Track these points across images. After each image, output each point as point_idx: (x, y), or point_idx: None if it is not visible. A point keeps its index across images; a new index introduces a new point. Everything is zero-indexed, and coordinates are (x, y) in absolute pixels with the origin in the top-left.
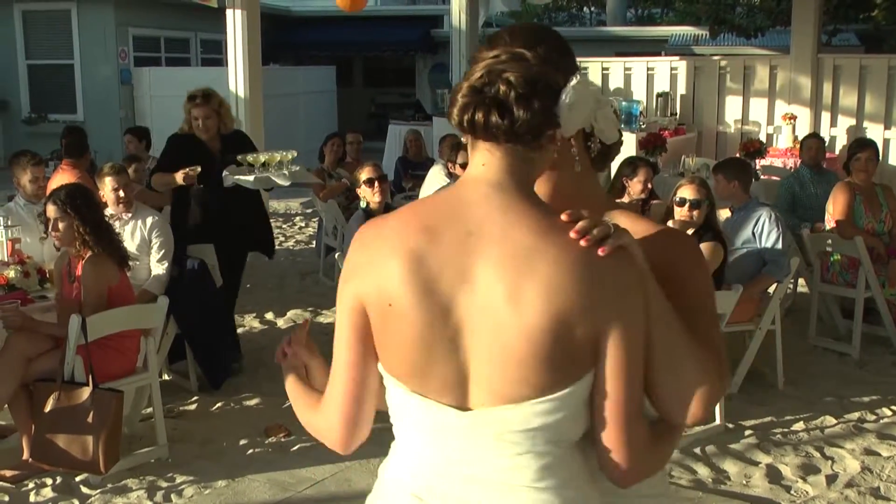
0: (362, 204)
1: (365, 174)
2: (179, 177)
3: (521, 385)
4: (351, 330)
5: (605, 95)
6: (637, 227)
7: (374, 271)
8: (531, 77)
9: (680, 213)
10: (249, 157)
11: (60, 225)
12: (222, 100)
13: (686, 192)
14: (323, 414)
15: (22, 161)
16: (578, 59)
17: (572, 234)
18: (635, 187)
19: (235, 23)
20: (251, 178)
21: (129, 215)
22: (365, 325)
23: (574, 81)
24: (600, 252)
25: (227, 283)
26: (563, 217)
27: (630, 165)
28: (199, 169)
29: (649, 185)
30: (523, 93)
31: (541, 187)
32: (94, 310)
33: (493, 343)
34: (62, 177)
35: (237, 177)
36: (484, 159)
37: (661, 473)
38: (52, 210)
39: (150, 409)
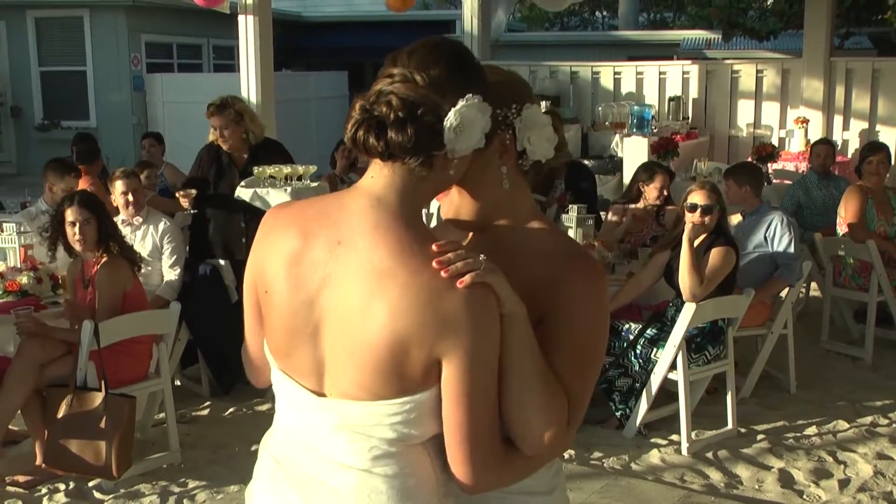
0: None
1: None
2: (179, 200)
3: (359, 387)
4: (248, 298)
5: (616, 103)
6: (545, 244)
7: (262, 257)
8: (411, 101)
9: (691, 218)
10: (269, 170)
11: (87, 228)
12: (244, 108)
13: (697, 197)
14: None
15: (61, 171)
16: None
17: (434, 264)
18: (651, 193)
19: (247, 29)
20: (249, 192)
21: (140, 220)
22: (256, 300)
23: (461, 104)
24: (458, 284)
25: None
26: (434, 247)
27: (647, 171)
28: (193, 192)
29: (665, 192)
30: (399, 117)
31: (469, 203)
32: (108, 314)
33: (341, 345)
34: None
35: (238, 191)
36: (373, 172)
37: (547, 471)
38: (76, 213)
39: (162, 415)
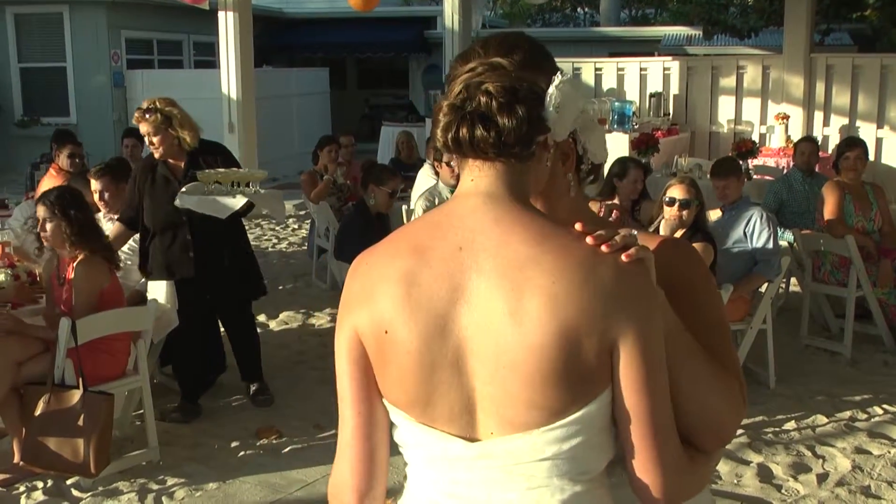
0: (370, 202)
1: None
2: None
3: (530, 409)
4: (350, 364)
5: (597, 99)
6: (645, 241)
7: (367, 300)
8: (511, 84)
9: (669, 212)
10: (214, 175)
11: (48, 226)
12: (171, 112)
13: (676, 191)
14: (338, 463)
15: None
16: (572, 60)
17: (589, 240)
18: (625, 189)
19: (228, 25)
20: (194, 199)
21: (117, 217)
22: (364, 357)
23: (557, 81)
24: (623, 258)
25: (235, 324)
26: (578, 226)
27: (620, 166)
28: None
29: (639, 186)
30: (505, 101)
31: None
32: (84, 311)
33: (496, 363)
34: (50, 180)
35: (179, 199)
36: (473, 175)
37: (705, 494)
38: (41, 210)
39: (140, 412)
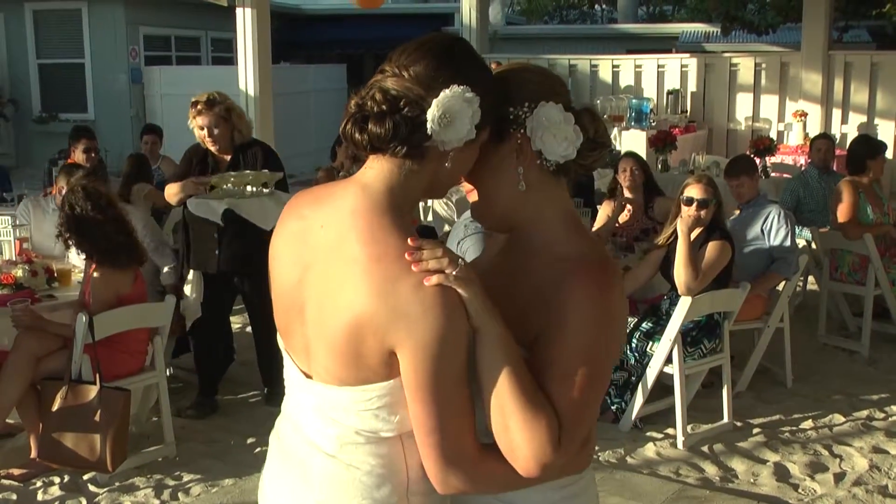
0: None
1: None
2: (185, 186)
3: (327, 372)
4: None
5: (614, 96)
6: (562, 249)
7: (275, 234)
8: (392, 94)
9: (688, 212)
10: (230, 178)
11: (69, 242)
12: (232, 105)
13: (693, 191)
14: None
15: (74, 173)
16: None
17: (406, 256)
18: (624, 182)
19: (245, 21)
20: (194, 201)
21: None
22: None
23: (443, 95)
24: (424, 281)
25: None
26: (410, 241)
27: (619, 162)
28: (209, 180)
29: (637, 175)
30: (381, 110)
31: (483, 203)
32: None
33: (316, 327)
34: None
35: (189, 201)
36: (368, 164)
37: (554, 492)
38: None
39: (157, 408)
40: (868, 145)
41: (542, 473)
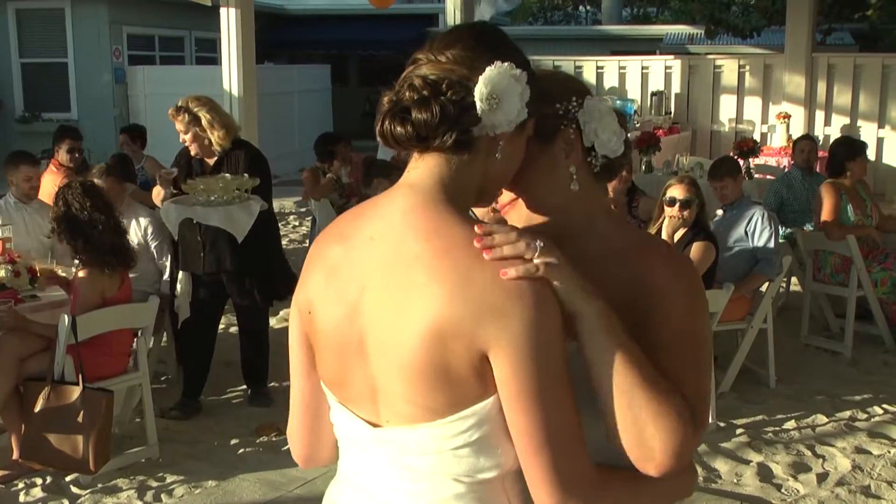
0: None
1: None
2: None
3: (408, 404)
4: (296, 337)
5: (607, 98)
6: (623, 243)
7: (303, 281)
8: (433, 78)
9: (670, 212)
10: (200, 184)
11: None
12: (201, 112)
13: (676, 191)
14: (289, 429)
15: (15, 160)
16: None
17: (476, 243)
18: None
19: (229, 21)
20: (168, 206)
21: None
22: (305, 333)
23: (490, 71)
24: (502, 275)
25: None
26: (477, 228)
27: None
28: (174, 172)
29: (626, 175)
30: (422, 96)
31: (537, 209)
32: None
33: (384, 355)
34: (50, 176)
35: (163, 205)
36: (412, 165)
37: None
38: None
39: (140, 409)
40: (847, 147)
41: (678, 464)
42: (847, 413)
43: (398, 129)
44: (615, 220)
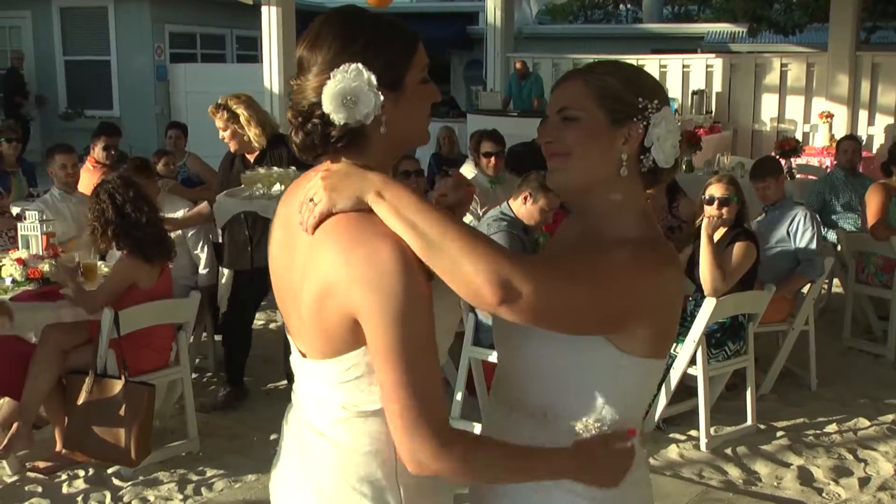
0: None
1: (402, 167)
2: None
3: (312, 347)
4: None
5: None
6: (620, 233)
7: (271, 230)
8: (297, 108)
9: (709, 211)
10: (258, 174)
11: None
12: (240, 110)
13: (715, 189)
14: None
15: (51, 152)
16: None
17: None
18: None
19: (270, 19)
20: (230, 200)
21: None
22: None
23: (327, 90)
24: (306, 231)
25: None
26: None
27: None
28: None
29: None
30: (294, 124)
31: (576, 169)
32: (102, 300)
33: (299, 301)
34: (87, 174)
35: (218, 200)
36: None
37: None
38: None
39: (181, 403)
40: None
41: (507, 293)
42: (890, 417)
43: (294, 145)
44: (644, 224)
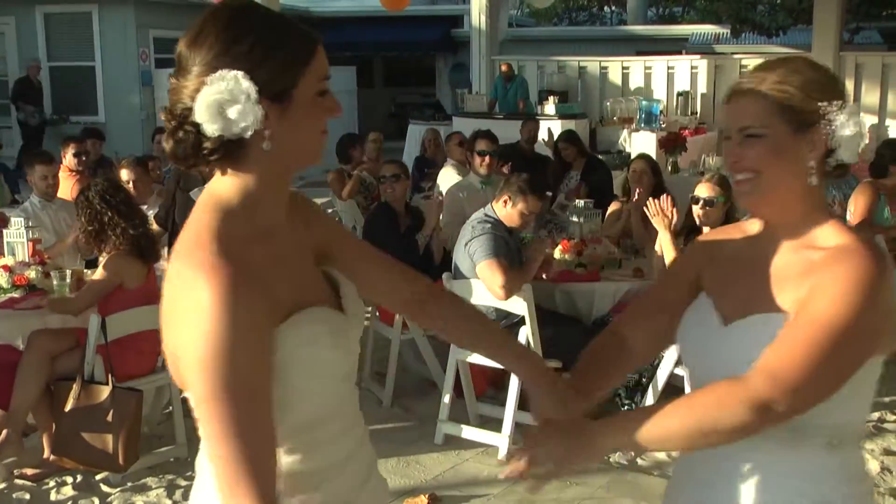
0: (382, 199)
1: (384, 171)
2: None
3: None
4: None
5: (624, 98)
6: (829, 240)
7: None
8: (173, 111)
9: (695, 211)
10: None
11: (79, 221)
12: None
13: (701, 189)
14: None
15: (30, 161)
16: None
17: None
18: (633, 181)
19: None
20: None
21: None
22: None
23: (200, 100)
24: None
25: None
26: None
27: (628, 165)
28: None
29: (645, 177)
30: (168, 129)
31: (769, 191)
32: (83, 303)
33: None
34: (63, 182)
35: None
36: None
37: None
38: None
39: (169, 409)
40: (894, 149)
41: (769, 417)
42: (876, 414)
43: (165, 152)
44: (832, 221)
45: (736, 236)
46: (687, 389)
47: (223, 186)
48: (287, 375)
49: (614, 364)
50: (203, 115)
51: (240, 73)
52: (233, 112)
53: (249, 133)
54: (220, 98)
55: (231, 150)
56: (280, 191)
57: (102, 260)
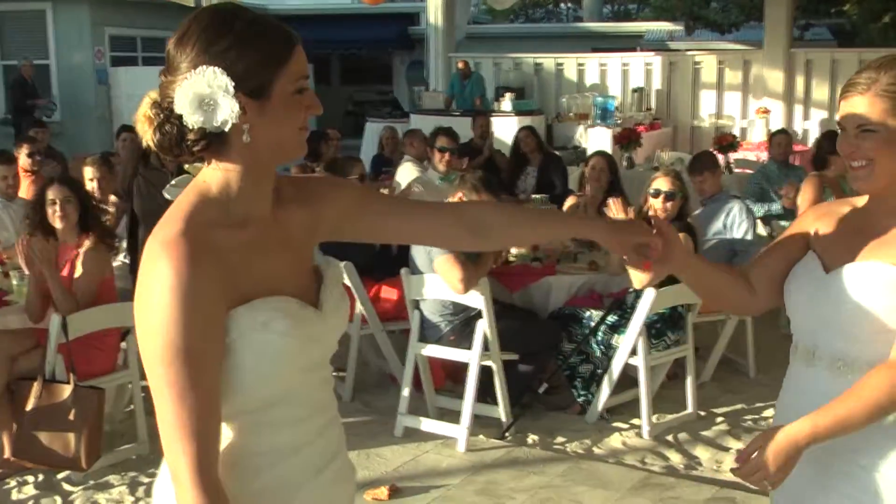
0: None
1: (350, 171)
2: None
3: None
4: None
5: (580, 94)
6: None
7: None
8: (161, 105)
9: (655, 204)
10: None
11: (69, 206)
12: None
13: (661, 183)
14: None
15: None
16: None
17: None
18: (589, 177)
19: None
20: (176, 191)
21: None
22: None
23: (180, 92)
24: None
25: None
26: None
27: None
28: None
29: (603, 175)
30: (155, 122)
31: (884, 177)
32: (86, 295)
33: None
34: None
35: (168, 191)
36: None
37: None
38: (57, 191)
39: (131, 407)
40: (831, 140)
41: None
42: None
43: (151, 143)
44: None
45: (846, 207)
46: (641, 375)
47: (206, 176)
48: (240, 357)
49: (733, 287)
50: (183, 108)
51: (218, 69)
52: (211, 105)
53: (228, 126)
54: (199, 92)
55: (213, 143)
56: (260, 183)
57: (80, 255)
